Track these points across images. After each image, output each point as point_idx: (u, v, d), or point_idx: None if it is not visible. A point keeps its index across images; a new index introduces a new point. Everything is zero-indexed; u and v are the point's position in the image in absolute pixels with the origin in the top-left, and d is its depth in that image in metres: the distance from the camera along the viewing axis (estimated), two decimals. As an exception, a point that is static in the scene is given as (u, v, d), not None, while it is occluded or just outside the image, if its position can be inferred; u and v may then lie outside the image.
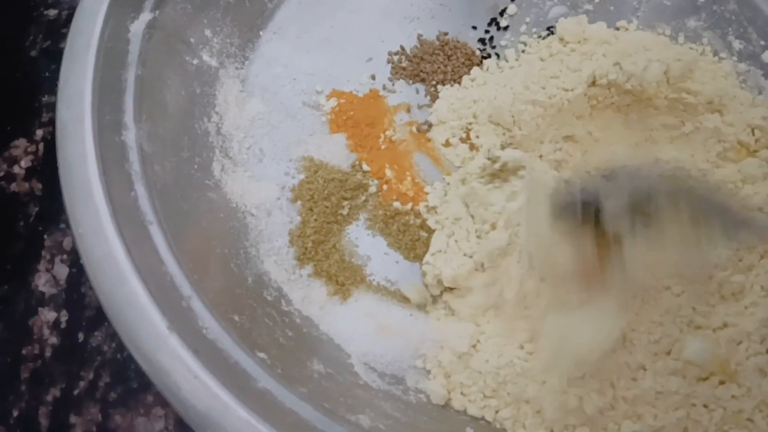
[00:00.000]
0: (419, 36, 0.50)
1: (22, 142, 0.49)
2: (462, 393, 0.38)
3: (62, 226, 0.46)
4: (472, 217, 0.43)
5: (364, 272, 0.43)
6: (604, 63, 0.45)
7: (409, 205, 0.45)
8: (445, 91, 0.48)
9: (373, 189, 0.46)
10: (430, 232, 0.44)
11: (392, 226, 0.45)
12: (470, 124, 0.47)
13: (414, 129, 0.48)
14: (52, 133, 0.48)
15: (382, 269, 0.43)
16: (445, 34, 0.50)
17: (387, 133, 0.47)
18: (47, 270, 0.45)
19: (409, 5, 0.51)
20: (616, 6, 0.50)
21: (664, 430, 0.35)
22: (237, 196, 0.44)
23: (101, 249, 0.34)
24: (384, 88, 0.49)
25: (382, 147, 0.47)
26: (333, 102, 0.48)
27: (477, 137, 0.46)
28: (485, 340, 0.39)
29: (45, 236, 0.46)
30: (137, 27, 0.41)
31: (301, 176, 0.46)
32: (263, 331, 0.38)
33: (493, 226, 0.41)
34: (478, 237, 0.42)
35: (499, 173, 0.43)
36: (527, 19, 0.51)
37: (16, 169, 0.48)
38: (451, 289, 0.42)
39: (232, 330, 0.35)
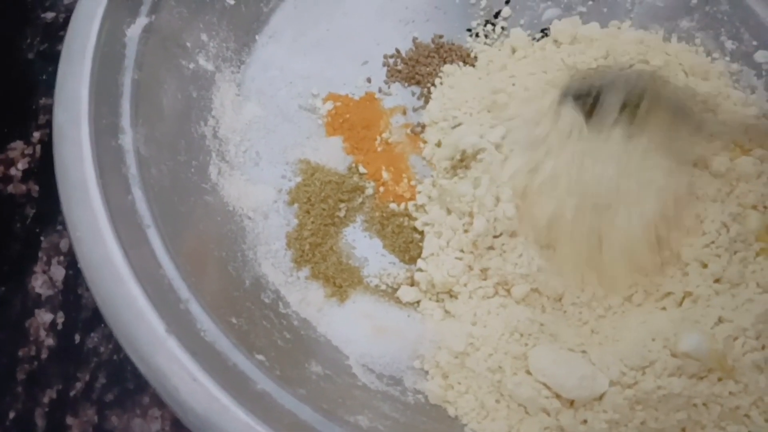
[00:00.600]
0: (414, 39, 0.50)
1: (18, 144, 0.49)
2: (458, 392, 0.38)
3: (59, 227, 0.46)
4: (452, 213, 0.43)
5: (361, 274, 0.44)
6: (596, 55, 0.46)
7: (404, 206, 0.45)
8: (437, 92, 0.48)
9: (369, 191, 0.46)
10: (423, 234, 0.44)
11: (387, 227, 0.45)
12: (460, 123, 0.47)
13: (409, 131, 0.48)
14: (49, 135, 0.47)
15: (379, 271, 0.44)
16: (441, 36, 0.50)
17: (383, 135, 0.48)
18: (44, 272, 0.45)
19: (404, 8, 0.51)
20: (609, 7, 0.51)
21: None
22: (234, 199, 0.44)
23: (99, 252, 0.34)
24: (380, 90, 0.49)
25: (379, 149, 0.47)
26: (329, 105, 0.48)
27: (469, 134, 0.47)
28: (482, 340, 0.39)
29: (42, 238, 0.46)
30: (134, 31, 0.41)
31: (298, 179, 0.46)
32: (261, 333, 0.38)
33: (471, 216, 0.41)
34: (465, 231, 0.42)
35: (460, 163, 0.43)
36: (521, 21, 0.51)
37: (12, 171, 0.48)
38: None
39: (230, 332, 0.35)
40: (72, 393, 0.42)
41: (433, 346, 0.40)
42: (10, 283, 0.45)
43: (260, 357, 0.35)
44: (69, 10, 0.53)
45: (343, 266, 0.43)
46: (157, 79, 0.42)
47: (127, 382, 0.42)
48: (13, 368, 0.43)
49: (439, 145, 0.47)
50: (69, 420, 0.41)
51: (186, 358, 0.32)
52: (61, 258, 0.45)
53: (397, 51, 0.50)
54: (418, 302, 0.42)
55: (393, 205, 0.45)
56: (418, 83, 0.49)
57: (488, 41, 0.50)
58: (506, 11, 0.51)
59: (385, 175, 0.46)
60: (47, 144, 0.48)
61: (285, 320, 0.40)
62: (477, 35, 0.51)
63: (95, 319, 0.44)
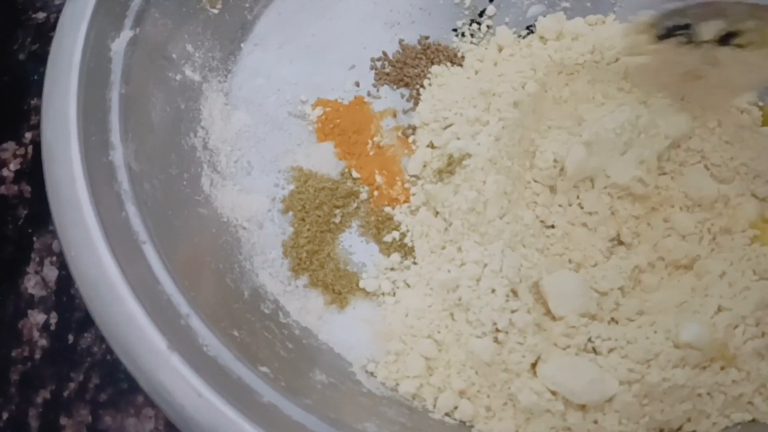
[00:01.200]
0: (401, 41, 0.50)
1: (10, 145, 0.49)
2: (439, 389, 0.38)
3: (51, 228, 0.46)
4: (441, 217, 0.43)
5: (360, 279, 0.43)
6: (583, 50, 0.46)
7: (398, 210, 0.45)
8: (426, 94, 0.48)
9: (364, 195, 0.46)
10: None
11: (383, 231, 0.45)
12: (451, 124, 0.47)
13: (400, 134, 0.48)
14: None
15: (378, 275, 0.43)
16: (427, 38, 0.50)
17: (374, 139, 0.47)
18: (36, 272, 0.45)
19: (388, 11, 0.51)
20: (593, 2, 0.51)
21: (669, 423, 0.35)
22: (228, 210, 0.43)
23: (95, 271, 0.34)
24: (369, 94, 0.49)
25: (371, 153, 0.47)
26: (319, 111, 0.48)
27: (458, 138, 0.47)
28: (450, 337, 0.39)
29: (34, 239, 0.46)
30: (119, 45, 0.40)
31: (291, 187, 0.45)
32: (263, 344, 0.37)
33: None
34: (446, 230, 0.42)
35: (447, 167, 0.44)
36: (507, 19, 0.51)
37: (5, 172, 0.48)
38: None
39: (233, 345, 0.35)
40: (65, 393, 0.42)
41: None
42: (3, 284, 0.45)
43: (264, 369, 0.35)
44: (60, 11, 0.52)
45: (341, 272, 0.43)
46: (145, 93, 0.42)
47: (120, 382, 0.42)
48: (6, 369, 0.43)
49: (431, 146, 0.47)
50: (63, 420, 0.41)
51: (190, 374, 0.32)
52: (54, 259, 0.45)
53: (384, 54, 0.50)
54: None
55: (388, 209, 0.45)
56: (406, 85, 0.49)
57: (474, 40, 0.50)
58: (491, 9, 0.51)
59: (378, 178, 0.46)
60: (39, 144, 0.48)
61: (286, 330, 0.40)
62: (463, 35, 0.51)
63: (88, 319, 0.43)
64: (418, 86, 0.49)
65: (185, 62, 0.45)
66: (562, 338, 0.37)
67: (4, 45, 0.51)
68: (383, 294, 0.42)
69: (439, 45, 0.50)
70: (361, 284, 0.42)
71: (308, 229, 0.44)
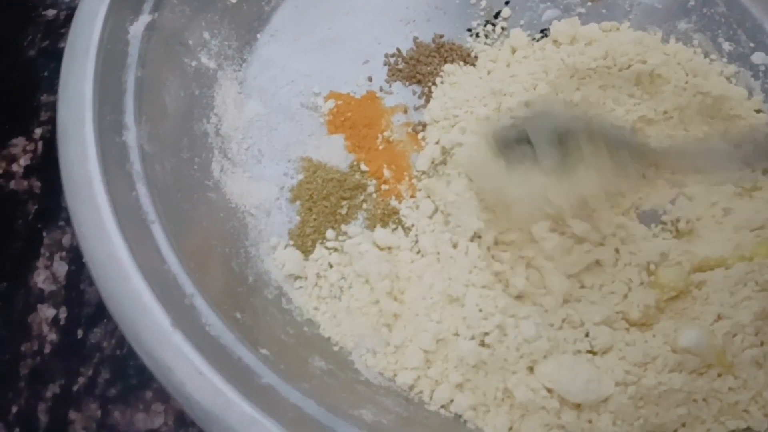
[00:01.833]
0: (415, 38, 0.51)
1: (20, 141, 0.49)
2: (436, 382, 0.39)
3: (61, 223, 0.46)
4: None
5: (363, 271, 0.44)
6: (596, 55, 0.47)
7: (404, 204, 0.46)
8: (438, 91, 0.49)
9: (371, 189, 0.46)
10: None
11: (389, 225, 0.45)
12: (462, 122, 0.47)
13: (410, 130, 0.48)
14: (51, 132, 0.48)
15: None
16: (441, 36, 0.51)
17: (384, 133, 0.48)
18: (46, 267, 0.45)
19: (404, 8, 0.52)
20: (608, 9, 0.51)
21: (663, 427, 0.35)
22: (236, 196, 0.44)
23: (104, 248, 0.34)
24: (381, 89, 0.49)
25: (380, 147, 0.48)
26: (331, 103, 0.48)
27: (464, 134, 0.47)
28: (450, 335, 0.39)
29: (44, 234, 0.46)
30: (136, 29, 0.41)
31: (300, 176, 0.46)
32: (265, 328, 0.38)
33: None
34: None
35: (443, 158, 0.45)
36: (521, 22, 0.51)
37: (14, 168, 0.48)
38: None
39: (235, 327, 0.35)
40: (75, 388, 0.42)
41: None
42: (13, 279, 0.45)
43: (264, 351, 0.35)
44: (70, 8, 0.53)
45: (344, 263, 0.44)
46: (160, 77, 0.42)
47: (130, 378, 0.42)
48: (15, 363, 0.43)
49: (439, 143, 0.47)
50: (72, 415, 0.41)
51: (192, 352, 0.32)
52: (64, 254, 0.45)
53: (398, 50, 0.50)
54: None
55: (395, 203, 0.45)
56: (419, 82, 0.50)
57: (488, 41, 0.51)
58: (506, 11, 0.52)
59: (386, 173, 0.47)
60: (49, 140, 0.49)
61: (288, 316, 0.40)
62: (477, 35, 0.51)
63: (98, 314, 0.44)
64: (430, 84, 0.49)
65: (201, 49, 0.46)
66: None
67: (14, 42, 0.52)
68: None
69: (453, 44, 0.50)
70: None
71: (315, 219, 0.44)
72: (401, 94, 0.49)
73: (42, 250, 0.46)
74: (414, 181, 0.46)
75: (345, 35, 0.51)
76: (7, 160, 0.48)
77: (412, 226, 0.44)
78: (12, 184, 0.48)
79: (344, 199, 0.45)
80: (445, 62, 0.50)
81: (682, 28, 0.50)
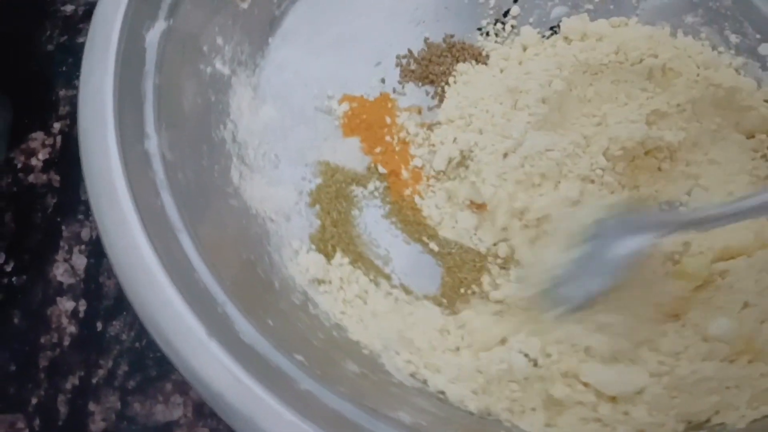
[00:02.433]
0: (426, 39, 0.51)
1: (39, 135, 0.49)
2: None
3: (80, 217, 0.47)
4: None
5: (385, 272, 0.44)
6: (607, 50, 0.47)
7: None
8: (452, 91, 0.49)
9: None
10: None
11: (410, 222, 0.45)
12: (479, 122, 0.48)
13: (425, 130, 0.48)
14: (69, 126, 0.49)
15: (402, 268, 0.44)
16: (452, 36, 0.51)
17: (400, 135, 0.48)
18: (65, 260, 0.45)
19: (414, 9, 0.52)
20: (615, 5, 0.52)
21: (698, 415, 0.35)
22: (256, 202, 0.44)
23: (133, 259, 0.34)
24: (394, 91, 0.49)
25: (396, 149, 0.48)
26: (345, 106, 0.48)
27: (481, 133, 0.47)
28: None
29: (63, 227, 0.46)
30: (153, 36, 0.41)
31: (318, 180, 0.46)
32: (296, 334, 0.38)
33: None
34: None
35: (462, 161, 0.45)
36: (531, 20, 0.52)
37: (33, 161, 0.48)
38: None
39: (268, 334, 0.35)
40: (94, 380, 0.42)
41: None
42: (32, 271, 0.45)
43: (299, 357, 0.35)
44: (88, 3, 0.54)
45: (366, 263, 0.43)
46: (177, 84, 0.42)
47: (149, 369, 0.43)
48: (35, 356, 0.43)
49: (455, 142, 0.47)
50: (91, 406, 0.42)
51: (229, 361, 0.32)
52: (83, 247, 0.46)
53: (410, 51, 0.50)
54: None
55: (418, 199, 0.45)
56: (431, 82, 0.50)
57: (499, 40, 0.51)
58: (515, 10, 0.52)
59: (404, 174, 0.47)
60: (67, 135, 0.49)
61: (316, 321, 0.40)
62: (487, 34, 0.51)
63: (117, 307, 0.44)
64: (443, 83, 0.49)
65: (215, 55, 0.45)
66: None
67: (32, 36, 0.52)
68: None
69: (464, 43, 0.50)
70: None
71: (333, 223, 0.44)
72: (414, 94, 0.49)
73: (61, 243, 0.46)
74: (432, 181, 0.47)
75: (355, 37, 0.51)
76: (26, 154, 0.49)
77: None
78: (31, 178, 0.48)
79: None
80: (457, 62, 0.50)
81: (689, 22, 0.51)
